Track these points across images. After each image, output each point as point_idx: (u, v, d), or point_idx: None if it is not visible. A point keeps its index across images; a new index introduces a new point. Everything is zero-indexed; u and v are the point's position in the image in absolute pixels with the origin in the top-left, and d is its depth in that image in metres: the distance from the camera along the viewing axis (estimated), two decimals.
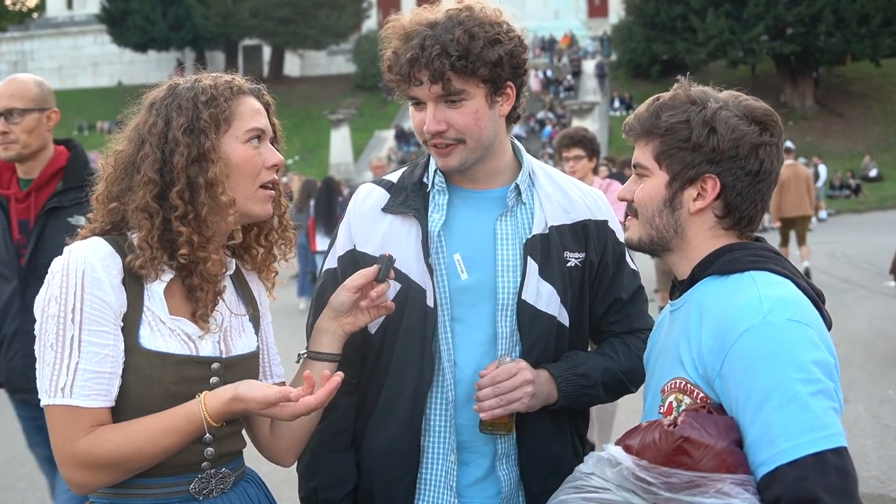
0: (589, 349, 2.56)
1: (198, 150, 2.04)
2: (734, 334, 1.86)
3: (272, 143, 2.21)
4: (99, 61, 57.71)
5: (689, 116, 2.02)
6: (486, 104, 2.32)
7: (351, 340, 2.36)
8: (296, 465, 2.48)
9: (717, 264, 2.03)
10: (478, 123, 2.32)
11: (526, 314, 2.37)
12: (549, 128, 39.92)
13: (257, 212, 2.16)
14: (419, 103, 2.35)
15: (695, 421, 1.82)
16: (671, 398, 2.00)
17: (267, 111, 2.22)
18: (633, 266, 2.57)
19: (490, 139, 2.37)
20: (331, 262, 2.51)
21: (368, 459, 2.45)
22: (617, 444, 1.93)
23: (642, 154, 2.10)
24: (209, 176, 2.05)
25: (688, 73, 2.17)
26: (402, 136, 41.48)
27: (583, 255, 2.45)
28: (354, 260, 2.41)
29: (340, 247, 2.51)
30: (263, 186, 2.16)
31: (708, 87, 2.10)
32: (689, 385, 1.96)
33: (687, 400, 1.96)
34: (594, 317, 2.54)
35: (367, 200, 2.52)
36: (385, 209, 2.46)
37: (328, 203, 13.94)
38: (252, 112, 2.15)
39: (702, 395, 1.93)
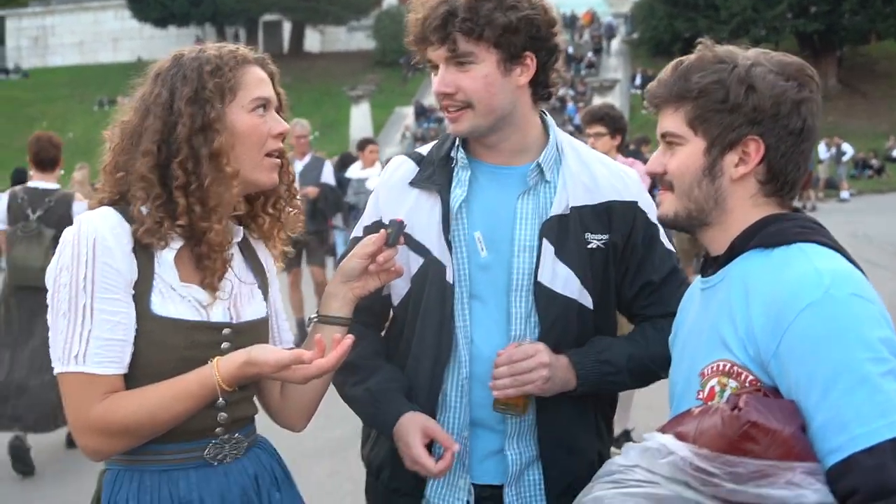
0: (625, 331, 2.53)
1: (202, 119, 2.05)
2: (793, 311, 1.70)
3: (277, 113, 2.20)
4: (119, 36, 57.77)
5: (722, 76, 1.86)
6: (497, 71, 2.29)
7: (371, 301, 2.38)
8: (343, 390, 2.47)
9: (759, 236, 1.87)
10: (488, 89, 2.29)
11: (542, 296, 2.35)
12: (571, 105, 39.76)
13: (264, 180, 2.16)
14: (436, 67, 2.34)
15: (759, 405, 1.67)
16: (713, 382, 1.84)
17: (272, 80, 2.21)
18: (668, 246, 2.48)
19: (504, 108, 2.33)
20: (357, 232, 2.51)
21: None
22: (664, 432, 1.79)
23: (672, 121, 1.93)
24: (214, 146, 2.05)
25: (706, 37, 2.03)
26: (422, 113, 41.37)
27: (606, 236, 2.40)
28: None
29: (367, 217, 2.52)
30: (269, 155, 2.16)
31: (733, 47, 1.96)
32: (735, 367, 1.79)
33: (733, 384, 1.80)
34: (624, 300, 2.49)
35: (395, 173, 2.52)
36: (412, 183, 2.45)
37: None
38: (257, 81, 2.14)
39: (751, 377, 1.77)
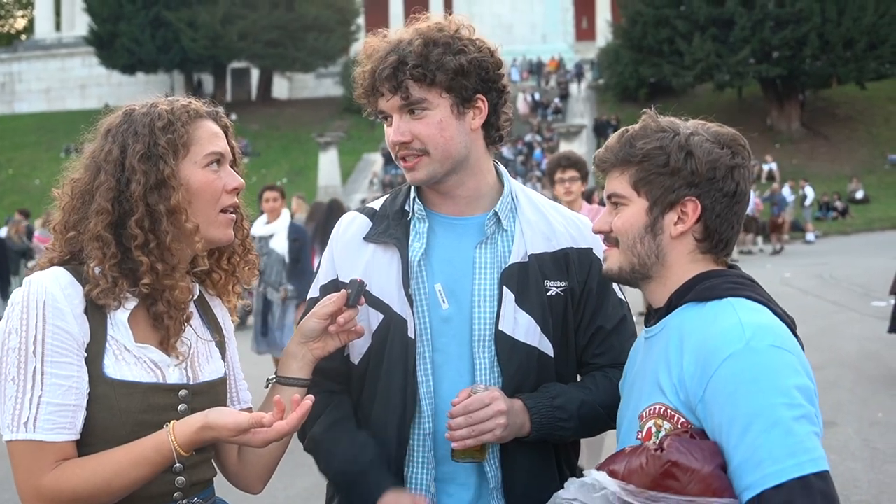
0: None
1: (156, 176, 2.01)
2: (717, 360, 1.88)
3: (232, 167, 2.17)
4: (87, 83, 57.61)
5: (664, 142, 2.05)
6: (451, 115, 2.29)
7: (335, 362, 2.34)
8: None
9: (694, 291, 2.06)
10: (442, 134, 2.28)
11: (504, 345, 2.32)
12: (538, 150, 40.03)
13: (219, 237, 2.13)
14: (388, 118, 2.32)
15: (681, 445, 1.84)
16: (650, 423, 2.01)
17: (225, 134, 2.18)
18: (619, 295, 2.49)
19: (460, 152, 2.32)
20: (314, 292, 2.46)
21: None
22: (599, 469, 1.94)
23: (618, 183, 2.11)
24: (171, 203, 2.01)
25: (652, 107, 2.19)
26: (390, 159, 41.47)
27: (564, 283, 2.39)
28: (337, 290, 2.34)
29: (323, 276, 2.47)
30: (224, 211, 2.12)
31: (674, 118, 2.14)
32: (668, 410, 1.98)
33: (667, 425, 1.97)
34: (578, 348, 2.46)
35: (349, 229, 2.48)
36: (366, 238, 2.42)
37: (327, 227, 13.65)
38: (210, 135, 2.11)
39: (682, 420, 1.95)
